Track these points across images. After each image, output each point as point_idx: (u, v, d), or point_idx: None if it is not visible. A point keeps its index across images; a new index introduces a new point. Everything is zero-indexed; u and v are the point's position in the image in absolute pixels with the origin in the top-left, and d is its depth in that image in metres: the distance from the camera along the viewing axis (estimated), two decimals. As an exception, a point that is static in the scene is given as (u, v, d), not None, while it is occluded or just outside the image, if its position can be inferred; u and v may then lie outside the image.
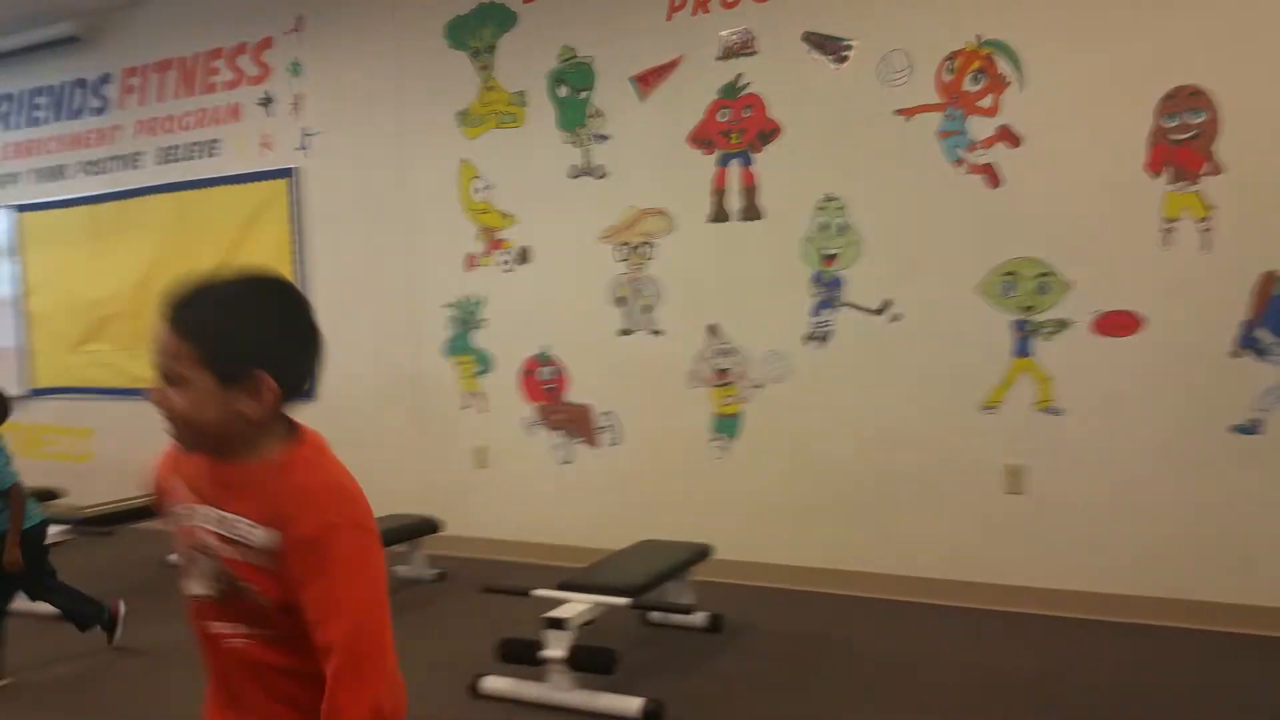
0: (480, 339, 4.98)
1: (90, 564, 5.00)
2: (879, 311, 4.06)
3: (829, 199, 4.11)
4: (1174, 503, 3.60)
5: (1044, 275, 3.75)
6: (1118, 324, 3.65)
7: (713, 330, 4.42)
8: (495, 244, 4.91)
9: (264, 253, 5.47)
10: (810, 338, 4.21)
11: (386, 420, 5.27)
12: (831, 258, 4.13)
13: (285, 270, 5.41)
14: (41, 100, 6.32)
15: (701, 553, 3.83)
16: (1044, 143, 3.73)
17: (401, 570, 4.65)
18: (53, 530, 4.54)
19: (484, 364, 4.99)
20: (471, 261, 4.97)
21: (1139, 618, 3.62)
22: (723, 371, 4.41)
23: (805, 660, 3.43)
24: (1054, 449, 3.78)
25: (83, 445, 6.42)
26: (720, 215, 4.36)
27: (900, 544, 4.08)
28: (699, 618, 3.74)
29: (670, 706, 2.96)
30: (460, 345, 5.05)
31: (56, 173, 6.27)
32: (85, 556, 5.02)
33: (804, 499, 4.26)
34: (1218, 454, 3.51)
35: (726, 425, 4.42)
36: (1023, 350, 3.80)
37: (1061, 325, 3.73)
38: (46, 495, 5.64)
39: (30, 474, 6.24)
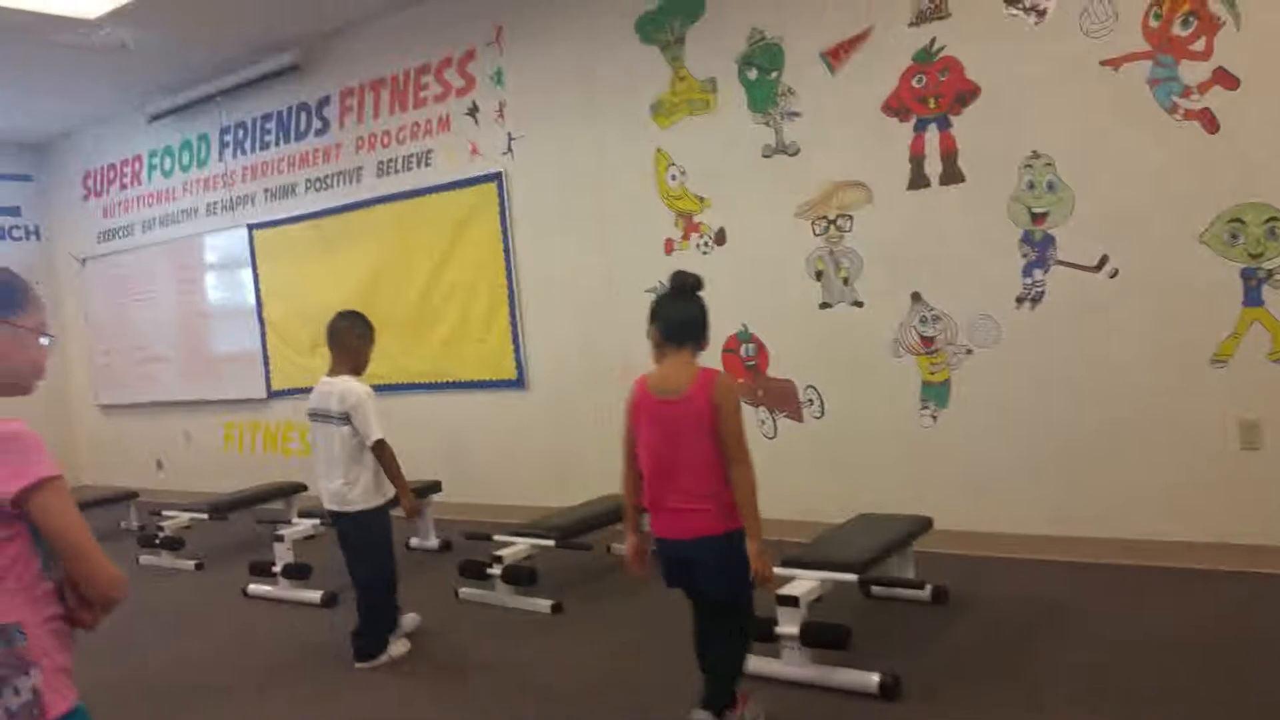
0: (683, 321, 5.53)
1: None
2: (1096, 268, 4.25)
3: (1035, 156, 4.33)
4: None
5: (1272, 220, 3.83)
6: (1359, 264, 3.71)
7: (916, 298, 4.74)
8: (692, 227, 5.43)
9: (478, 253, 6.28)
10: (1022, 299, 4.45)
11: (596, 405, 5.92)
12: (1041, 216, 4.36)
13: (498, 267, 6.20)
14: (270, 125, 7.45)
15: (923, 525, 4.08)
16: (1263, 82, 3.81)
17: (620, 549, 5.27)
18: (306, 523, 5.44)
19: (687, 345, 5.53)
20: (670, 246, 5.52)
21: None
22: (928, 339, 4.73)
23: (1035, 629, 3.64)
24: (1294, 400, 3.88)
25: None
26: (920, 181, 4.67)
27: (1127, 505, 4.25)
28: (924, 591, 4.01)
29: (905, 680, 3.18)
30: (664, 328, 5.61)
31: (286, 191, 7.39)
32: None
33: (1022, 464, 4.50)
34: None
35: (936, 393, 4.73)
36: (1254, 299, 3.90)
37: (1295, 270, 3.82)
38: (294, 489, 6.73)
39: (277, 470, 7.45)
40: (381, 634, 3.98)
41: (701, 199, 5.38)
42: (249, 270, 7.70)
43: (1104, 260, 4.24)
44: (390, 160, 6.70)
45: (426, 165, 6.50)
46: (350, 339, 3.97)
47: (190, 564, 5.96)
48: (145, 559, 6.13)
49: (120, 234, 8.82)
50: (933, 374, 4.74)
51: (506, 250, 6.16)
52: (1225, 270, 3.95)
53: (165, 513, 6.34)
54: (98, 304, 9.08)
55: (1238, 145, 3.89)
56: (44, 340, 1.78)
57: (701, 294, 2.82)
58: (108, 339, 9.04)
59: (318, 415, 3.94)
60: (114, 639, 4.34)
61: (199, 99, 7.54)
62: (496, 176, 6.14)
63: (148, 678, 4.08)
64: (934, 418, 4.75)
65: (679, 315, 2.75)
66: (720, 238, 5.34)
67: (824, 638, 3.26)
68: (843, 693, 3.20)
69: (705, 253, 5.39)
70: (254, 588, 5.20)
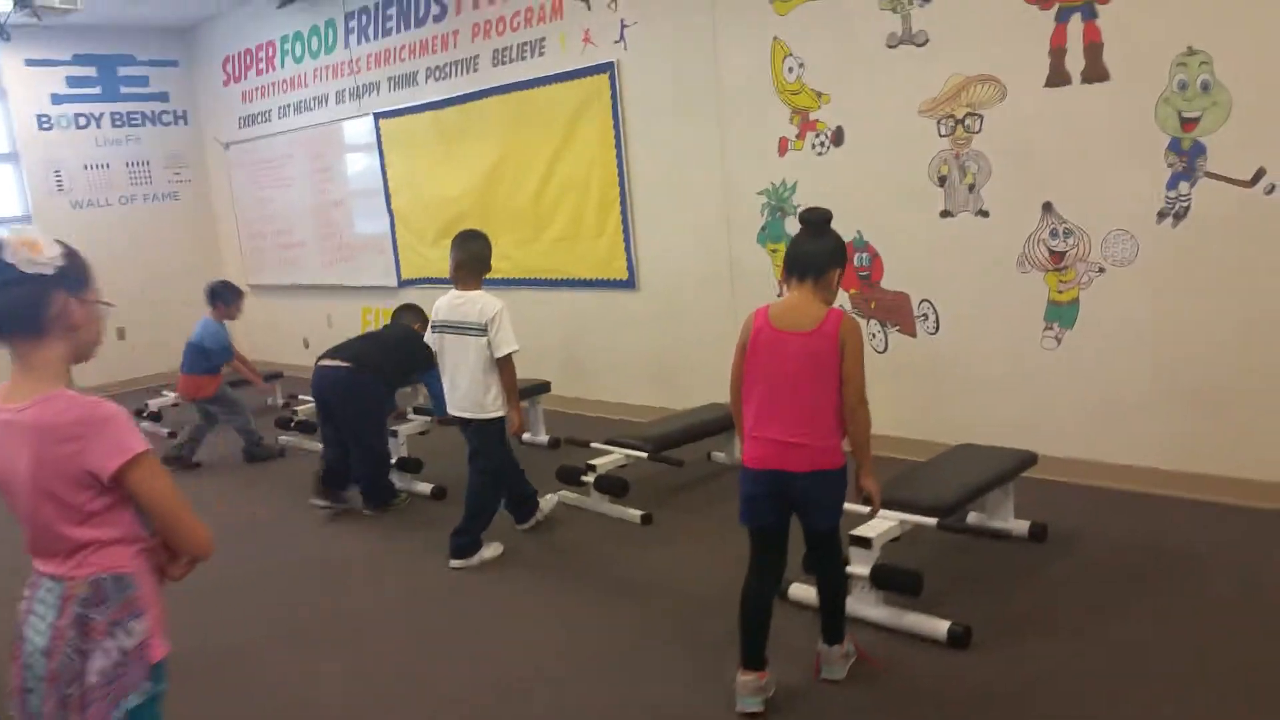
0: (792, 226, 5.39)
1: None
2: (1250, 183, 3.84)
3: (1190, 52, 3.89)
4: None
5: None
6: None
7: (1047, 208, 4.44)
8: (808, 125, 5.21)
9: (590, 149, 6.25)
10: (1164, 214, 4.09)
11: (705, 307, 5.91)
12: (1192, 121, 3.94)
13: (610, 164, 6.17)
14: (391, 11, 7.53)
15: (1026, 461, 3.89)
16: None
17: (720, 457, 5.34)
18: (419, 420, 5.79)
19: (799, 251, 5.40)
20: (784, 146, 5.33)
21: None
22: (1058, 254, 4.44)
23: (1141, 574, 3.48)
24: None
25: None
26: (1059, 78, 4.29)
27: (1264, 447, 3.97)
28: (1019, 525, 3.86)
29: (982, 627, 3.09)
30: (774, 233, 5.49)
31: (408, 80, 7.50)
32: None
33: (1153, 394, 4.24)
34: None
35: (1062, 313, 4.47)
36: None
37: None
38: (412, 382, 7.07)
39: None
40: (478, 533, 4.26)
41: (819, 94, 5.14)
42: (377, 159, 7.96)
43: (1260, 174, 3.82)
44: (505, 49, 6.67)
45: (540, 54, 6.43)
46: (483, 261, 4.23)
47: (320, 446, 6.44)
48: (283, 438, 6.65)
49: (259, 119, 9.24)
50: (1060, 293, 4.46)
51: (618, 146, 6.11)
52: None
53: (301, 396, 6.87)
54: (242, 188, 9.62)
55: None
56: (104, 309, 1.85)
57: (831, 225, 2.83)
58: (253, 222, 9.61)
59: (451, 327, 4.16)
60: (276, 530, 4.86)
61: (323, -17, 7.68)
62: (608, 67, 6.02)
63: (289, 558, 4.53)
64: (1058, 340, 4.50)
65: (803, 249, 2.77)
66: (838, 137, 5.11)
67: (895, 583, 3.21)
68: (913, 637, 3.17)
69: (821, 154, 5.18)
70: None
